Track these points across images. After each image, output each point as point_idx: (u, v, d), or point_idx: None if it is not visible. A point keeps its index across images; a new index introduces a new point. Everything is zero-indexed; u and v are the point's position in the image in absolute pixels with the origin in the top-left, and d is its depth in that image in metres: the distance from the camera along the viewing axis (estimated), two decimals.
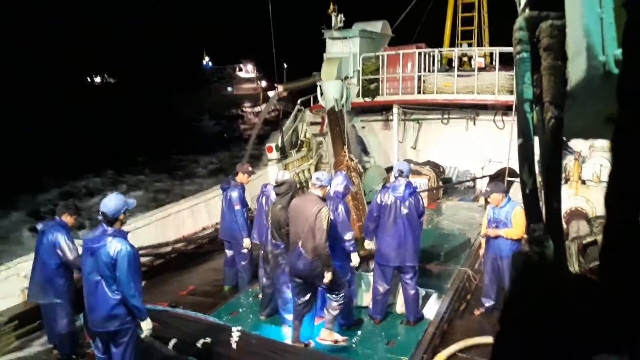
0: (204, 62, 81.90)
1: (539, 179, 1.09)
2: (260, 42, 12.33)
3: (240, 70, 75.74)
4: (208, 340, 5.13)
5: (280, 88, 11.65)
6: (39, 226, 5.69)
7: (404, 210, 6.00)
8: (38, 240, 5.55)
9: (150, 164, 27.88)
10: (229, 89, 73.18)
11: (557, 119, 1.01)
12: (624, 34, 0.69)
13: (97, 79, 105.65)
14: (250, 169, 7.64)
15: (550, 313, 0.79)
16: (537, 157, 1.08)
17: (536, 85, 1.10)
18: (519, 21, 1.12)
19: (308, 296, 5.56)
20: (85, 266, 4.35)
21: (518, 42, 1.11)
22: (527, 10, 1.18)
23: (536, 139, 1.06)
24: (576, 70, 1.00)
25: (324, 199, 5.50)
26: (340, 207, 5.97)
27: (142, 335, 4.45)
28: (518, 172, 1.08)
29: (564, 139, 1.08)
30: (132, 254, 4.27)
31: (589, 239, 5.97)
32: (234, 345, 5.09)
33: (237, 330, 5.21)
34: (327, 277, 5.27)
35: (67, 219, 5.60)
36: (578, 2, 0.97)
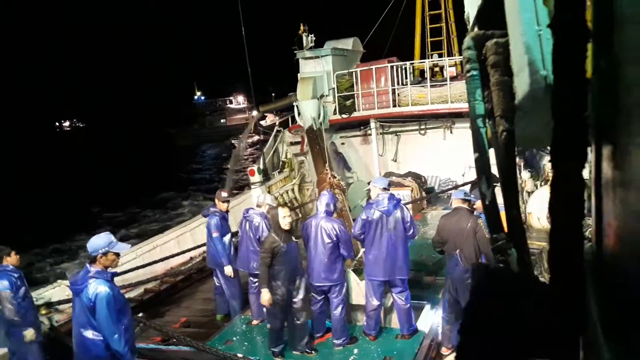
0: (196, 97, 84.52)
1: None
2: (248, 73, 12.45)
3: (231, 102, 79.11)
4: None
5: (255, 113, 11.76)
6: None
7: (391, 224, 6.01)
8: None
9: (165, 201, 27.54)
10: (222, 120, 76.87)
11: (509, 131, 1.06)
12: (552, 54, 0.75)
13: (66, 124, 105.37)
14: (224, 194, 7.48)
15: (509, 321, 0.83)
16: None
17: (487, 101, 1.15)
18: (467, 40, 1.18)
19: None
20: (73, 307, 4.29)
21: (467, 60, 1.17)
22: (475, 29, 1.24)
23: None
24: (521, 85, 1.06)
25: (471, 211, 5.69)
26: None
27: None
28: (478, 184, 1.13)
29: (519, 148, 1.13)
30: (111, 296, 4.14)
31: None
32: None
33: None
34: None
35: (10, 260, 5.52)
36: (517, 21, 1.03)
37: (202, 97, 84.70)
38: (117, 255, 4.38)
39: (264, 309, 6.00)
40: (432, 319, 6.48)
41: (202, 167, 46.60)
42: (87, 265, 4.27)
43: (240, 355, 5.27)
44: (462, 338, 0.86)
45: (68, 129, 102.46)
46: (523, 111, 1.08)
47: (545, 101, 1.04)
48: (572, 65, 0.75)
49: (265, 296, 5.70)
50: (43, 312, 6.55)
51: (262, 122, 14.44)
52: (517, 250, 1.03)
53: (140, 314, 6.87)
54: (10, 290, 5.35)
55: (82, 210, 25.06)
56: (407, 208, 6.22)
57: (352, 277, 6.66)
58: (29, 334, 5.36)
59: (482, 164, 1.13)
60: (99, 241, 4.29)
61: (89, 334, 4.14)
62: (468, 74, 1.19)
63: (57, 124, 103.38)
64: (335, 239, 5.97)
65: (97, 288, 4.11)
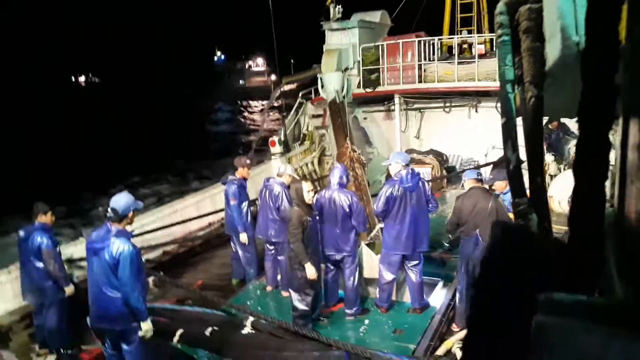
0: (216, 58, 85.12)
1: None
2: (269, 37, 12.33)
3: (251, 65, 79.53)
4: (216, 328, 5.16)
5: (274, 77, 11.75)
6: (21, 233, 5.71)
7: (414, 200, 6.03)
8: (20, 246, 5.65)
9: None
10: (241, 81, 77.27)
11: (538, 97, 1.05)
12: (585, 14, 0.74)
13: (82, 78, 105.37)
14: (247, 161, 7.54)
15: (523, 281, 0.84)
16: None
17: (517, 67, 1.14)
18: (500, 6, 1.16)
19: None
20: (89, 265, 4.39)
21: (499, 25, 1.16)
22: None
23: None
24: (553, 51, 1.04)
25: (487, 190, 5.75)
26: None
27: (140, 334, 4.41)
28: (503, 148, 1.13)
29: (548, 118, 1.12)
30: (135, 254, 4.26)
31: None
32: (247, 331, 5.13)
33: (250, 317, 5.28)
34: None
35: (45, 218, 5.66)
36: None
37: (222, 57, 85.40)
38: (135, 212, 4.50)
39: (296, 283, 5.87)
40: (444, 296, 6.52)
41: (219, 130, 46.93)
42: (108, 224, 4.36)
43: (251, 317, 5.37)
44: (477, 291, 0.88)
45: (83, 84, 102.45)
46: (553, 78, 1.08)
47: (576, 68, 1.03)
48: (604, 27, 0.74)
49: (311, 270, 5.62)
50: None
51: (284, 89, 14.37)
52: (538, 216, 1.04)
53: (161, 273, 7.04)
54: (53, 248, 5.52)
55: (93, 171, 25.35)
56: (427, 182, 6.23)
57: (366, 250, 6.72)
58: (69, 289, 5.57)
59: (508, 128, 1.13)
60: (127, 200, 4.37)
61: (108, 291, 4.25)
62: (499, 39, 1.18)
63: (72, 78, 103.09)
64: (347, 209, 6.03)
65: (121, 246, 4.20)
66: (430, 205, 6.15)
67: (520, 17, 1.13)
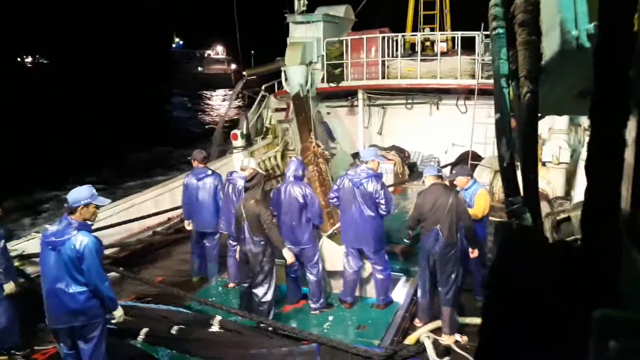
0: (174, 44, 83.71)
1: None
2: (230, 26, 12.04)
3: (210, 53, 78.78)
4: (183, 326, 5.06)
5: (234, 67, 11.59)
6: None
7: (359, 196, 6.04)
8: None
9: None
10: (199, 68, 76.29)
11: (533, 92, 1.02)
12: (599, 7, 0.70)
13: (28, 59, 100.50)
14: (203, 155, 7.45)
15: (534, 284, 0.81)
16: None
17: (512, 61, 1.11)
18: None
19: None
20: (44, 261, 4.19)
21: (494, 18, 1.12)
22: None
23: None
24: (550, 45, 1.01)
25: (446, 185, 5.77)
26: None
27: (114, 321, 4.41)
28: (496, 145, 1.09)
29: (539, 114, 1.10)
30: (98, 245, 4.17)
31: (562, 215, 6.13)
32: (215, 329, 5.05)
33: (218, 316, 5.25)
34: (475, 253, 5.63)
35: None
36: None
37: (181, 42, 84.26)
38: (97, 208, 4.32)
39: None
40: (407, 291, 6.58)
41: (176, 117, 45.92)
42: (67, 217, 4.18)
43: (219, 316, 5.29)
44: (488, 297, 0.85)
45: (30, 65, 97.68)
46: (549, 73, 1.05)
47: (574, 63, 1.00)
48: (619, 18, 0.71)
49: (288, 254, 5.88)
50: (16, 264, 6.43)
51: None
52: (532, 215, 1.02)
53: (120, 269, 6.79)
54: None
55: (47, 160, 24.15)
56: (381, 184, 6.11)
57: (327, 242, 6.71)
58: (9, 287, 5.28)
59: (502, 125, 1.10)
60: (82, 192, 4.22)
61: (69, 288, 4.08)
62: (494, 32, 1.14)
63: (19, 59, 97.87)
64: (302, 200, 6.05)
65: (83, 239, 4.07)
66: (381, 207, 6.02)
67: (516, 9, 1.09)
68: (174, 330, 5.05)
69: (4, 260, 5.28)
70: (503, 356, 0.81)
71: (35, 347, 5.50)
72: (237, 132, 12.10)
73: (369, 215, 6.04)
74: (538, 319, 0.76)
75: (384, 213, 6.07)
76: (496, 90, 1.12)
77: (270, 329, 5.22)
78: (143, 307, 5.74)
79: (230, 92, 19.03)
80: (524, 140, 1.06)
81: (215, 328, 5.09)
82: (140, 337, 5.16)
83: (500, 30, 1.14)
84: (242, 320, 5.49)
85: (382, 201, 5.99)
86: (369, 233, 6.08)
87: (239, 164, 7.69)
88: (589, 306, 0.66)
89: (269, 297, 5.85)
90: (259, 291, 5.86)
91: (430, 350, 4.82)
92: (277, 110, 13.85)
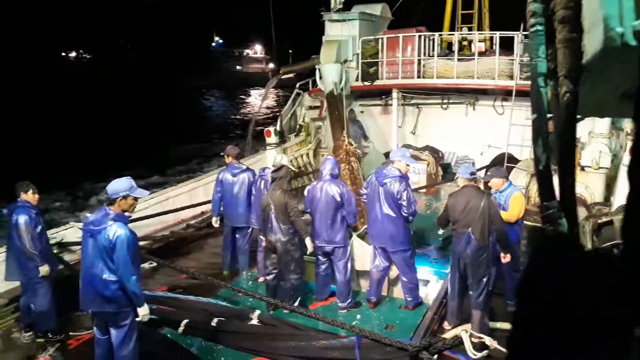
0: (214, 43, 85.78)
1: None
2: (268, 25, 12.17)
3: (249, 52, 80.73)
4: (223, 319, 5.15)
5: (272, 66, 11.65)
6: (4, 211, 5.66)
7: (382, 195, 6.02)
8: (6, 225, 5.57)
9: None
10: (238, 67, 78.00)
11: (573, 93, 0.98)
12: None
13: (72, 54, 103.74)
14: (236, 151, 7.59)
15: (568, 292, 0.77)
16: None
17: (550, 59, 1.07)
18: None
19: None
20: (84, 247, 4.34)
21: (532, 14, 1.08)
22: None
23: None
24: (592, 43, 0.97)
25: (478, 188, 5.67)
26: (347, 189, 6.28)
27: (138, 319, 4.41)
28: (532, 147, 1.05)
29: (578, 116, 1.05)
30: (132, 239, 4.23)
31: (604, 219, 5.86)
32: (255, 323, 5.13)
33: (257, 310, 5.39)
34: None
35: (26, 196, 5.58)
36: None
37: (220, 41, 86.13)
38: (136, 200, 4.42)
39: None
40: (436, 293, 6.49)
41: (212, 114, 46.58)
42: (106, 207, 4.31)
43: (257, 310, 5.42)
44: (519, 303, 0.82)
45: (73, 60, 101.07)
46: (590, 72, 1.00)
47: (618, 62, 0.95)
48: None
49: (310, 244, 6.08)
50: (55, 251, 6.67)
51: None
52: (568, 221, 0.97)
53: (156, 260, 6.95)
54: (29, 225, 5.43)
55: (88, 156, 24.86)
56: (405, 185, 6.04)
57: (357, 242, 6.68)
58: (44, 269, 5.48)
59: (539, 125, 1.06)
60: (121, 184, 4.32)
61: (102, 275, 4.21)
62: (532, 29, 1.10)
63: (63, 54, 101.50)
64: (339, 199, 6.05)
65: (117, 230, 4.17)
66: (403, 209, 5.96)
67: (556, 5, 1.04)
68: (214, 322, 5.15)
69: (40, 244, 5.49)
70: None
71: (70, 333, 5.68)
72: (270, 129, 12.18)
73: (391, 215, 6.00)
74: (571, 328, 0.72)
75: (406, 214, 6.00)
76: (533, 90, 1.08)
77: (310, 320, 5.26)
78: (184, 298, 5.88)
79: (271, 97, 19.18)
80: (562, 143, 1.02)
81: (254, 322, 5.16)
82: (181, 328, 5.28)
83: (539, 27, 1.10)
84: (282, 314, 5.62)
85: (405, 203, 5.93)
86: (390, 232, 6.03)
87: (271, 160, 7.73)
88: (628, 317, 0.63)
89: (298, 283, 6.07)
90: (291, 277, 6.07)
91: (468, 344, 4.73)
92: (310, 108, 13.87)
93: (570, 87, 0.99)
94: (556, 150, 1.02)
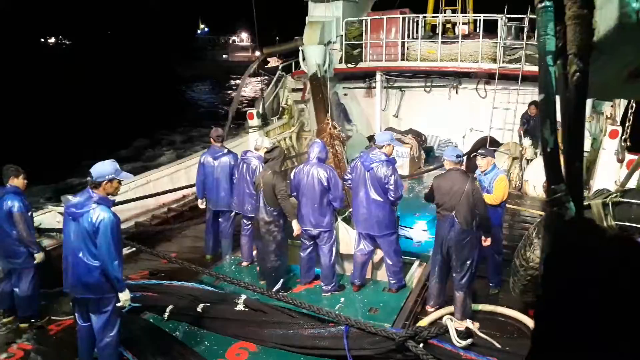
0: (199, 31, 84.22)
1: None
2: (253, 12, 11.90)
3: (235, 39, 79.26)
4: (208, 304, 5.10)
5: (258, 54, 11.43)
6: None
7: (368, 180, 5.98)
8: None
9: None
10: (225, 56, 76.68)
11: (582, 72, 0.93)
12: None
13: (52, 40, 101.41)
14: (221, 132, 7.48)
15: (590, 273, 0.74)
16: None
17: (559, 37, 1.02)
18: None
19: None
20: (66, 231, 4.23)
21: None
22: None
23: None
24: (605, 19, 0.92)
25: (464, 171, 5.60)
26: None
27: (119, 304, 4.32)
28: (540, 128, 1.01)
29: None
30: (115, 223, 4.14)
31: (613, 198, 5.57)
32: (241, 308, 5.09)
33: (243, 295, 5.35)
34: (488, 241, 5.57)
35: (16, 182, 5.42)
36: None
37: (206, 29, 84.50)
38: (120, 183, 4.32)
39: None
40: (419, 276, 6.53)
41: (197, 100, 46.07)
42: (89, 190, 4.19)
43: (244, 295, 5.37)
44: (544, 290, 0.79)
45: (52, 45, 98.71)
46: (600, 51, 0.96)
47: (631, 40, 0.91)
48: None
49: (297, 226, 6.11)
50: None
51: (266, 65, 14.04)
52: (575, 204, 0.94)
53: (137, 246, 6.83)
54: (24, 212, 5.28)
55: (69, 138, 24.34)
56: (392, 169, 5.98)
57: (342, 225, 6.67)
58: (39, 256, 5.37)
59: (548, 106, 1.01)
60: (106, 167, 4.21)
61: (84, 258, 4.11)
62: (540, 5, 1.05)
63: (42, 40, 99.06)
64: (326, 183, 6.00)
65: (101, 214, 4.07)
66: (390, 193, 5.93)
67: None
68: (199, 308, 5.10)
69: (33, 231, 5.36)
70: (560, 352, 0.75)
71: (52, 317, 5.58)
72: (253, 111, 12.02)
73: (378, 200, 5.97)
74: (601, 315, 0.69)
75: (393, 199, 5.98)
76: (541, 69, 1.04)
77: (298, 308, 5.21)
78: (169, 284, 5.81)
79: (256, 80, 18.87)
80: (570, 124, 0.98)
81: (240, 307, 5.12)
82: (166, 314, 5.21)
83: (548, 3, 1.05)
84: (265, 299, 5.54)
85: (392, 187, 5.90)
86: (376, 217, 6.01)
87: (253, 143, 7.63)
88: None
89: (277, 265, 6.09)
90: (271, 259, 6.10)
91: (453, 332, 4.78)
92: (293, 90, 13.71)
93: (580, 65, 0.94)
94: (563, 132, 0.98)
